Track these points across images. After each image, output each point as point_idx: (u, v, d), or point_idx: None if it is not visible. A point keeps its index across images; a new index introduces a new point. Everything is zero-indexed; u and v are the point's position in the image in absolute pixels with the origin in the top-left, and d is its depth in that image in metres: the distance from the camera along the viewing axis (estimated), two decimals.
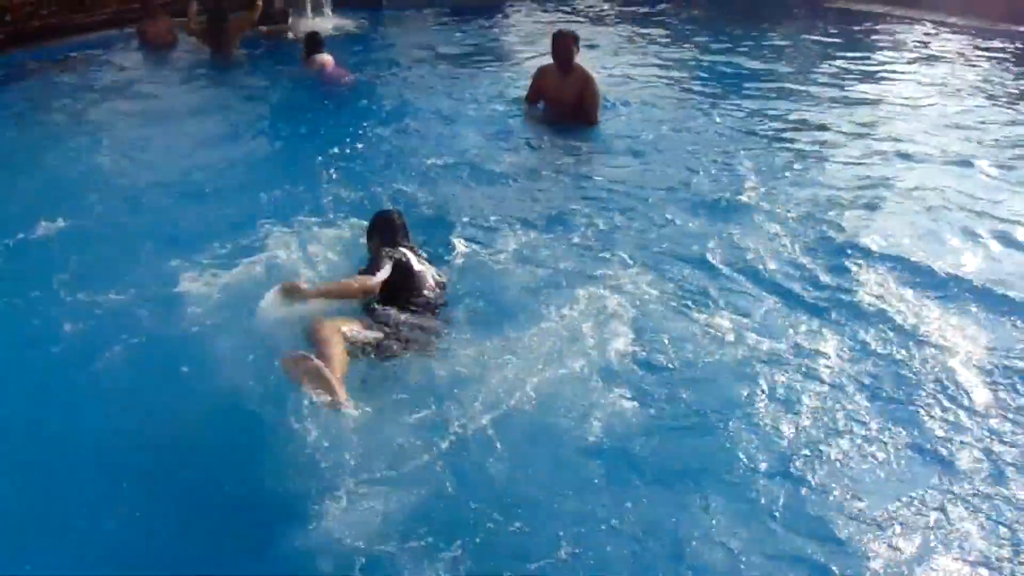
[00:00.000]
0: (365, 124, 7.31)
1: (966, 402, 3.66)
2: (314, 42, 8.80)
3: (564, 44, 7.06)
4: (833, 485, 3.23)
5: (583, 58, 7.24)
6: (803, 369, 3.85)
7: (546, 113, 7.31)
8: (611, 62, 9.16)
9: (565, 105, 7.13)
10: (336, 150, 6.51)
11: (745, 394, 3.68)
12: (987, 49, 9.77)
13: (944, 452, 3.39)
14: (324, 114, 7.85)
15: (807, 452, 3.37)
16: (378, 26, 12.07)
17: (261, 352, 3.54)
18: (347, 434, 3.19)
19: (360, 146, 6.70)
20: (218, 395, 3.49)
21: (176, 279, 4.32)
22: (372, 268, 3.99)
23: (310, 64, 8.68)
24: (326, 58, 8.72)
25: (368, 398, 3.42)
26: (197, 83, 8.94)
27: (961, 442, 3.44)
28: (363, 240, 4.52)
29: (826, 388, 3.74)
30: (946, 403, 3.65)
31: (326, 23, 12.05)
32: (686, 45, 10.21)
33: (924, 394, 3.71)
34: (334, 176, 5.95)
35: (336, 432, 3.18)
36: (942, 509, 3.12)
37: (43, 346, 3.96)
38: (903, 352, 3.99)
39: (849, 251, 4.88)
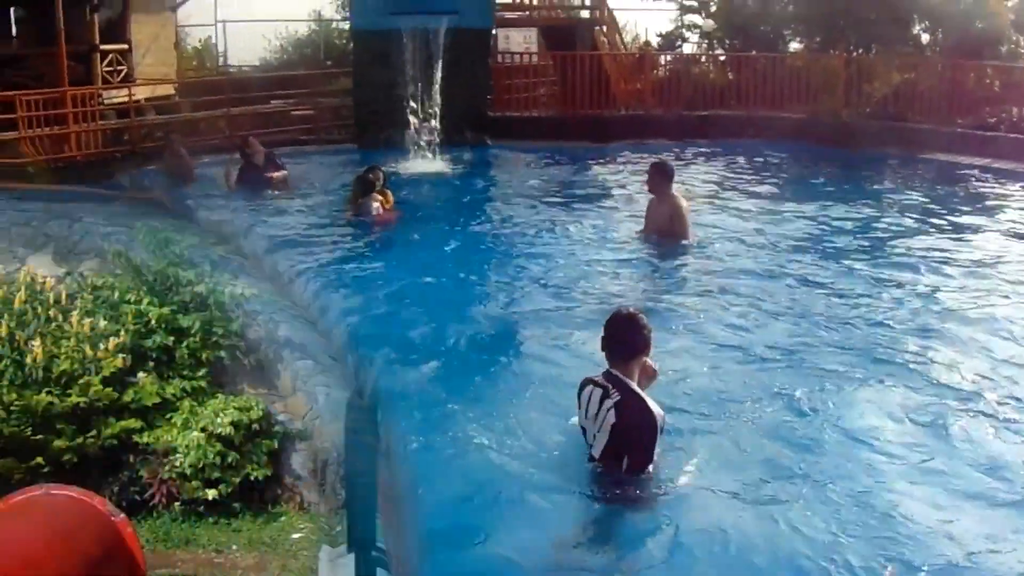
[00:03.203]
0: (475, 265, 7.53)
1: None
2: (364, 184, 8.74)
3: (652, 172, 7.72)
4: None
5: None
6: None
7: (647, 237, 7.87)
8: (707, 208, 9.19)
9: (659, 228, 7.73)
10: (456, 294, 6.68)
11: None
12: None
13: None
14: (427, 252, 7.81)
15: None
16: (483, 165, 12.54)
17: None
18: None
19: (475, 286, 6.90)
20: None
21: None
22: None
23: (359, 207, 8.69)
24: (376, 200, 8.70)
25: None
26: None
27: None
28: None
29: None
30: None
31: (432, 164, 12.63)
32: (782, 194, 10.33)
33: None
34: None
35: None
36: None
37: None
38: None
39: None
